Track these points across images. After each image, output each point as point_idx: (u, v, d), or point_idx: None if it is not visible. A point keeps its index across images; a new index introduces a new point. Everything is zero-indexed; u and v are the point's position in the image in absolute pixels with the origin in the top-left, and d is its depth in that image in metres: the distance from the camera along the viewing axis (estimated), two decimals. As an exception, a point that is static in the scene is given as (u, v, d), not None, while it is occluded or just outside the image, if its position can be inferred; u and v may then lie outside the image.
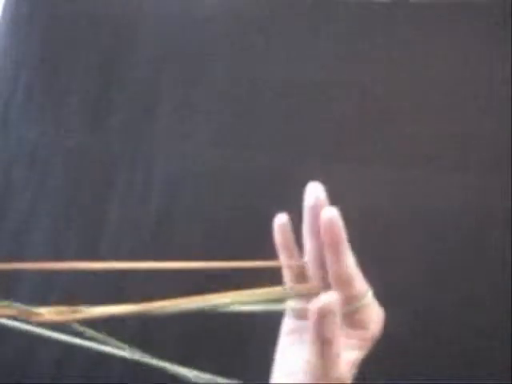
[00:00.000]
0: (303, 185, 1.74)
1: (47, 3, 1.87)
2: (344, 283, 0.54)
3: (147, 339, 1.71)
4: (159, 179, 1.77)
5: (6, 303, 0.33)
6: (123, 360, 0.50)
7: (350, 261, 0.55)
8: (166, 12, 1.82)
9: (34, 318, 0.34)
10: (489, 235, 1.56)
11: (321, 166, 1.67)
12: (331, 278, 0.55)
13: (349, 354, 0.53)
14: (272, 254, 1.63)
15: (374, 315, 0.56)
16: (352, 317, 0.54)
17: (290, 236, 0.64)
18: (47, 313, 0.34)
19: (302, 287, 0.56)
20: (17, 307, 0.33)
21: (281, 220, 0.64)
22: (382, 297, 0.64)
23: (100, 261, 1.62)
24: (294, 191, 1.64)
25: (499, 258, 1.54)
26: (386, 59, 1.70)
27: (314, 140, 1.70)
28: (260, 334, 1.45)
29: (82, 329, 0.35)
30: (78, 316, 0.34)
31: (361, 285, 0.56)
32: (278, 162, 1.71)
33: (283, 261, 0.64)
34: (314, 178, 1.71)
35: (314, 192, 0.62)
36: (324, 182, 1.64)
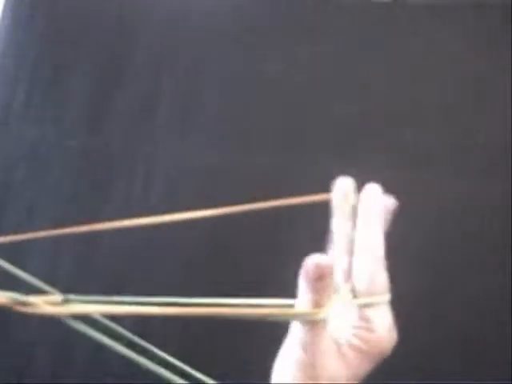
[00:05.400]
0: (303, 184, 1.74)
1: (47, 3, 1.87)
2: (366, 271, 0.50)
3: (146, 336, 1.70)
4: (159, 179, 1.77)
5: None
6: (120, 360, 0.50)
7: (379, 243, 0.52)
8: (165, 12, 1.82)
9: (26, 309, 0.33)
10: (489, 236, 1.56)
11: (321, 166, 1.67)
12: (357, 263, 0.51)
13: (346, 352, 0.50)
14: (272, 253, 1.63)
15: (387, 323, 0.51)
16: (365, 313, 0.50)
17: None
18: (39, 303, 0.33)
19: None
20: (10, 296, 0.33)
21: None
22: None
23: (103, 254, 1.60)
24: (293, 191, 1.64)
25: (499, 258, 1.54)
26: (385, 59, 1.70)
27: (314, 140, 1.70)
28: (260, 333, 1.45)
29: (75, 324, 0.34)
30: (72, 310, 0.34)
31: (383, 281, 0.51)
32: (278, 162, 1.71)
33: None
34: (313, 178, 1.71)
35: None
36: (324, 182, 1.64)
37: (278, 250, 1.60)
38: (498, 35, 1.64)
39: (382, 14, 1.71)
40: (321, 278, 0.47)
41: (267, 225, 1.59)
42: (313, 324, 0.47)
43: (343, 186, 0.56)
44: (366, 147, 1.66)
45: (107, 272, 1.75)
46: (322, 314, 0.46)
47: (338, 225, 0.55)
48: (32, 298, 0.34)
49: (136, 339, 0.44)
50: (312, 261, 0.47)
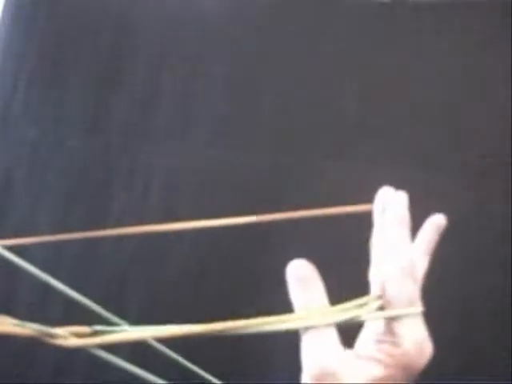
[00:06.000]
0: (302, 184, 1.74)
1: (47, 3, 1.87)
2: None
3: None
4: (159, 179, 1.77)
5: (24, 324, 0.33)
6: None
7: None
8: (165, 12, 1.82)
9: (54, 341, 0.33)
10: (489, 236, 1.57)
11: (320, 165, 1.68)
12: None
13: (370, 367, 0.48)
14: (272, 254, 1.63)
15: (416, 336, 0.50)
16: (391, 326, 0.49)
17: None
18: (67, 335, 0.33)
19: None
20: (35, 328, 0.33)
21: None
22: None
23: (102, 258, 1.61)
24: (293, 190, 1.64)
25: (499, 258, 1.54)
26: (385, 59, 1.70)
27: (314, 139, 1.71)
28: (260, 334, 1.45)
29: (105, 355, 0.34)
30: (100, 341, 0.34)
31: (412, 292, 0.51)
32: (278, 162, 1.71)
33: None
34: (313, 177, 1.71)
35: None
36: (323, 181, 1.64)
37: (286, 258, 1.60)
38: (498, 34, 1.64)
39: (382, 13, 1.71)
40: (302, 281, 0.46)
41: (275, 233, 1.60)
42: (313, 331, 0.46)
43: (384, 196, 0.56)
44: (366, 147, 1.66)
45: (107, 272, 1.75)
46: (319, 321, 0.44)
47: (377, 235, 0.55)
48: (59, 330, 0.34)
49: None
50: (291, 265, 0.47)
